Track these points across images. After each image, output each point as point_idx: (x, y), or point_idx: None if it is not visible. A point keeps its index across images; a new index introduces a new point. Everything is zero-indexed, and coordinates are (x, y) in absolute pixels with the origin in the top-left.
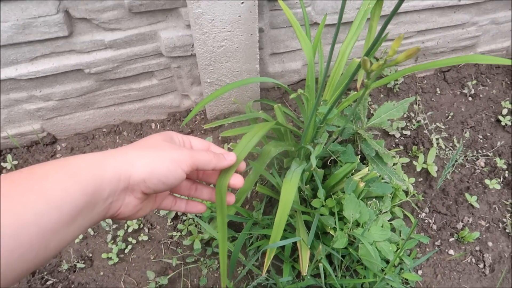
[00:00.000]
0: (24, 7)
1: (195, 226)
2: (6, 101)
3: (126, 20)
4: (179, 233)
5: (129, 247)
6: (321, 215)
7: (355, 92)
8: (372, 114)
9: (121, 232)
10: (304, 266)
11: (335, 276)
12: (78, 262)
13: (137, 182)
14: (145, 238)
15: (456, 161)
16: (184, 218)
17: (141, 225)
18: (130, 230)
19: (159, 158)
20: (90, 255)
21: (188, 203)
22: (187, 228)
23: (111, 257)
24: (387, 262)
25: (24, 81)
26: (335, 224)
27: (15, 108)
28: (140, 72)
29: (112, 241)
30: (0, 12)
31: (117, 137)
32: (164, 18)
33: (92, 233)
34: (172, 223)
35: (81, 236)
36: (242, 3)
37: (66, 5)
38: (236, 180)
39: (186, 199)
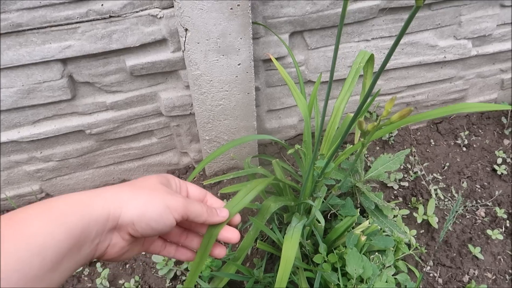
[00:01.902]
0: (30, 73)
1: (195, 286)
2: (6, 163)
3: (127, 83)
4: None
5: None
6: (324, 271)
7: (351, 145)
8: (369, 167)
9: None
10: None
11: None
12: None
13: (125, 223)
14: None
15: (456, 211)
16: (183, 278)
17: (139, 287)
18: None
19: (153, 202)
20: None
21: (178, 249)
22: None
23: None
24: None
25: (26, 143)
26: (339, 281)
27: (15, 170)
28: (140, 132)
29: None
30: (7, 78)
31: None
32: (164, 80)
33: None
34: (171, 283)
35: None
36: (239, 64)
37: (70, 70)
38: (230, 234)
39: (176, 245)
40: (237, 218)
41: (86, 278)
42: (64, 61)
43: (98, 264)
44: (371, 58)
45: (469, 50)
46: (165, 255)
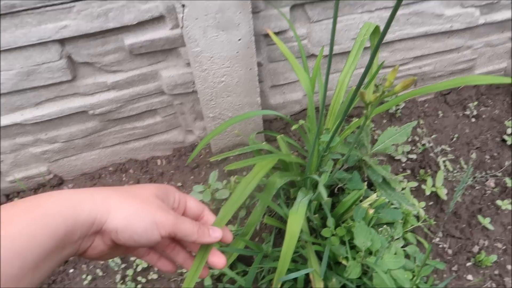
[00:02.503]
0: (28, 55)
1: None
2: (12, 146)
3: (127, 62)
4: None
5: (139, 286)
6: (332, 245)
7: (357, 119)
8: (376, 140)
9: (130, 272)
10: None
11: None
12: None
13: (109, 230)
14: (155, 276)
15: (466, 182)
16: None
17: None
18: (139, 269)
19: (140, 215)
20: None
21: (160, 259)
22: None
23: None
24: None
25: (30, 126)
26: (347, 254)
27: (21, 152)
28: (144, 111)
29: (121, 281)
30: (6, 61)
31: (123, 175)
32: (164, 58)
33: (100, 273)
34: None
35: (90, 278)
36: (239, 39)
37: (68, 51)
38: (217, 259)
39: (160, 255)
40: (229, 237)
41: None
42: (62, 42)
43: None
44: (377, 30)
45: (477, 19)
46: (147, 261)
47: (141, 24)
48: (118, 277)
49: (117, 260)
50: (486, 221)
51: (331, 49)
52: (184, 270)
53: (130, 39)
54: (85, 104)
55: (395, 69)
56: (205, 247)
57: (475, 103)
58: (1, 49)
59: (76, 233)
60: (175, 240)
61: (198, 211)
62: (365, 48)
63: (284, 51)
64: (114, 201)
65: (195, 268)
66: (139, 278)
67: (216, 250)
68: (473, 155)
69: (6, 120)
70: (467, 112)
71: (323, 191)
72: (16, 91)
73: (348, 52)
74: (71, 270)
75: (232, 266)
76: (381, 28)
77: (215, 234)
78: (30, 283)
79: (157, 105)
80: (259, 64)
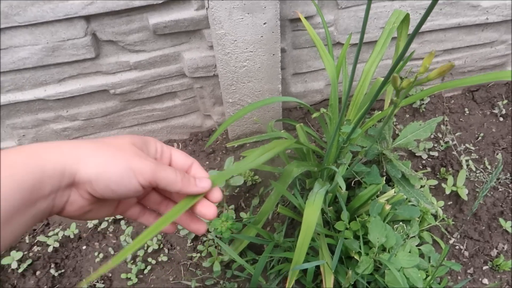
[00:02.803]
0: (54, 31)
1: (215, 247)
2: (34, 121)
3: (150, 42)
4: (198, 254)
5: (149, 267)
6: (345, 238)
7: (379, 112)
8: (397, 135)
9: (141, 252)
10: None
11: None
12: (97, 282)
13: (82, 181)
14: (165, 258)
15: (491, 183)
16: (204, 239)
17: (161, 245)
18: (150, 250)
19: (114, 162)
20: (110, 275)
21: (157, 219)
22: (207, 250)
23: (130, 278)
24: None
25: (52, 102)
26: (360, 248)
27: (42, 128)
28: (164, 93)
29: (132, 261)
30: (32, 35)
31: None
32: (187, 40)
33: (112, 252)
34: (192, 243)
35: (101, 255)
36: (265, 23)
37: (93, 28)
38: (206, 209)
39: (156, 214)
40: (218, 195)
41: (111, 235)
42: (88, 18)
43: (122, 222)
44: (406, 18)
45: None
46: (143, 222)
47: (167, 4)
48: (129, 257)
49: (129, 240)
50: (507, 225)
51: (362, 37)
52: (194, 254)
53: (155, 19)
54: (106, 83)
55: (431, 54)
56: (193, 196)
57: (505, 101)
58: (29, 23)
59: (46, 186)
60: (167, 198)
61: (185, 164)
62: (393, 38)
63: (313, 37)
64: (84, 150)
65: (172, 213)
66: (149, 259)
67: (205, 200)
68: (499, 156)
69: (30, 95)
70: (495, 111)
71: (341, 182)
72: (40, 67)
73: (375, 41)
74: (84, 247)
75: (241, 254)
76: (411, 17)
77: (202, 184)
78: (3, 237)
79: (177, 88)
80: (283, 50)
